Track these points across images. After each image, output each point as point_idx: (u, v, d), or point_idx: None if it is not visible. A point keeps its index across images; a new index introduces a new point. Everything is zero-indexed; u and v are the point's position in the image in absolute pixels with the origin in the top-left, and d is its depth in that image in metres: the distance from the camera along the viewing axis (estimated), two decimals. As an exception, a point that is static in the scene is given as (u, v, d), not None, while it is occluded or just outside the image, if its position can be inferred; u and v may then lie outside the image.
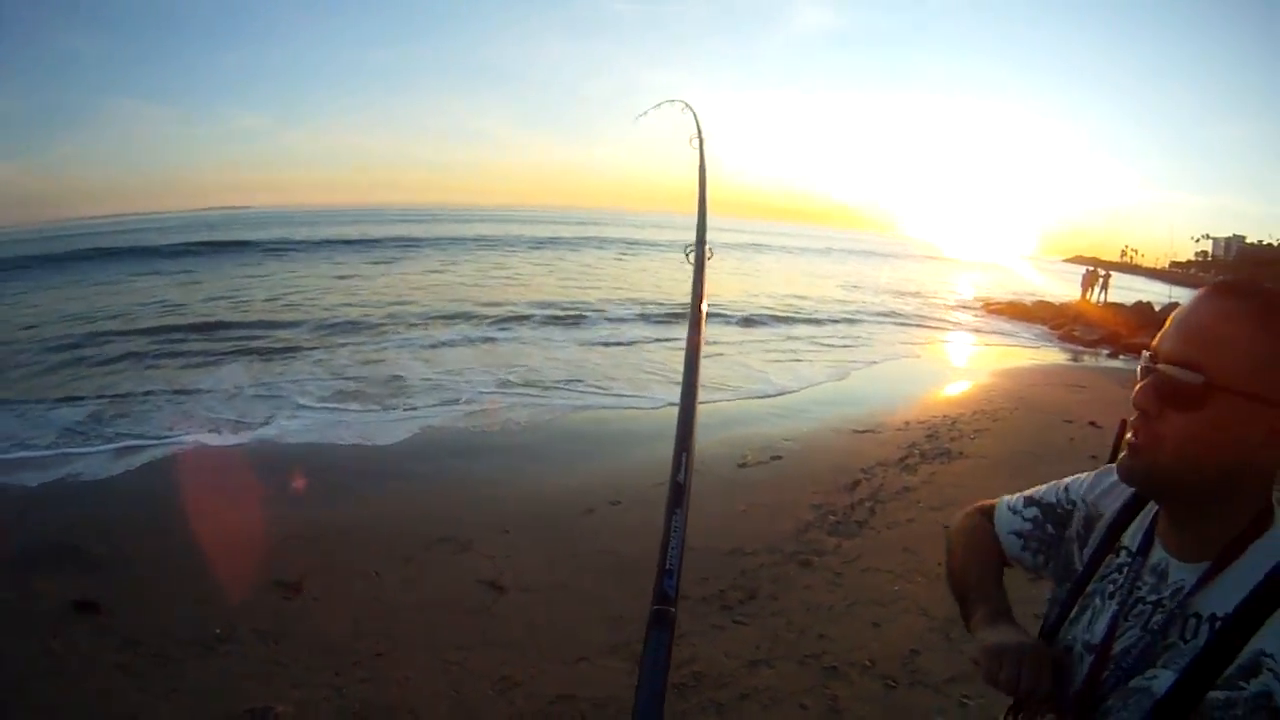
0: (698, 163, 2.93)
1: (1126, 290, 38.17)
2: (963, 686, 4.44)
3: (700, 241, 2.29)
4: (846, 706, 4.27)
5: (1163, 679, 1.10)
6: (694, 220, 2.52)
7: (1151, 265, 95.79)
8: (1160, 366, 1.13)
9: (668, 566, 1.39)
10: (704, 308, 2.06)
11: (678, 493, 1.51)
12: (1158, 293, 32.50)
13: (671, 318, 20.46)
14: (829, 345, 18.65)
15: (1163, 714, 1.08)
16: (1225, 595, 1.10)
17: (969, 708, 4.26)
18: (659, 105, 4.06)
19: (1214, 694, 1.04)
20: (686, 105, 3.69)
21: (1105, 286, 32.76)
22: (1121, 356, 20.73)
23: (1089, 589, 1.34)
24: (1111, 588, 1.28)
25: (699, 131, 3.20)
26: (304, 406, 10.74)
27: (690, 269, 2.20)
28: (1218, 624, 1.08)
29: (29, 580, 5.52)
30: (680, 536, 1.43)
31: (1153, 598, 1.20)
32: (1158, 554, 1.24)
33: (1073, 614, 1.35)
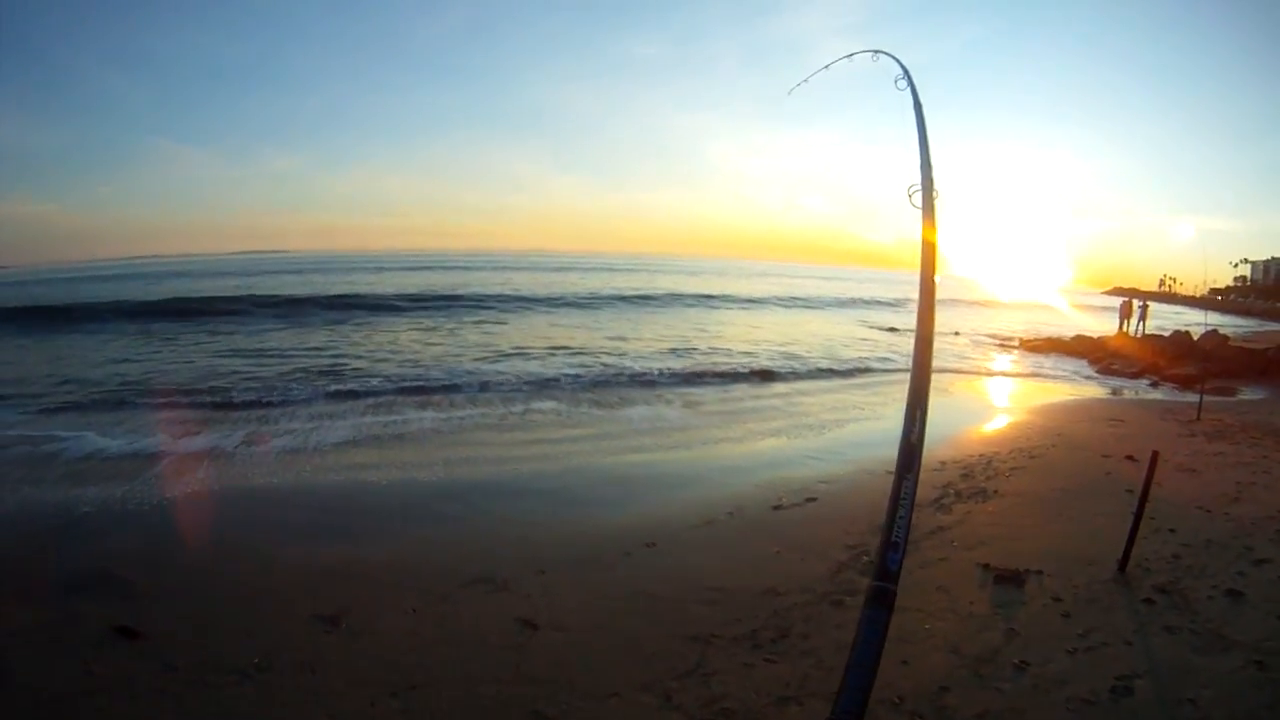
0: (911, 102, 2.89)
1: (1168, 320, 37.89)
2: (990, 725, 4.47)
3: (927, 186, 2.26)
4: (874, 744, 4.30)
5: None
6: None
7: (1190, 293, 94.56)
8: None
9: (893, 539, 1.39)
10: (936, 258, 2.03)
11: (909, 456, 1.51)
12: (1197, 321, 32.15)
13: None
14: (867, 390, 18.54)
15: None
16: None
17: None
18: (850, 56, 4.06)
19: None
20: (879, 52, 3.70)
21: (1144, 317, 32.62)
22: (1162, 387, 20.63)
23: None
24: None
25: (905, 71, 3.17)
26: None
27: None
28: None
29: (72, 605, 5.68)
30: (909, 505, 1.43)
31: None
32: None
33: None
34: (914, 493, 1.38)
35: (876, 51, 3.77)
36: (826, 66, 4.43)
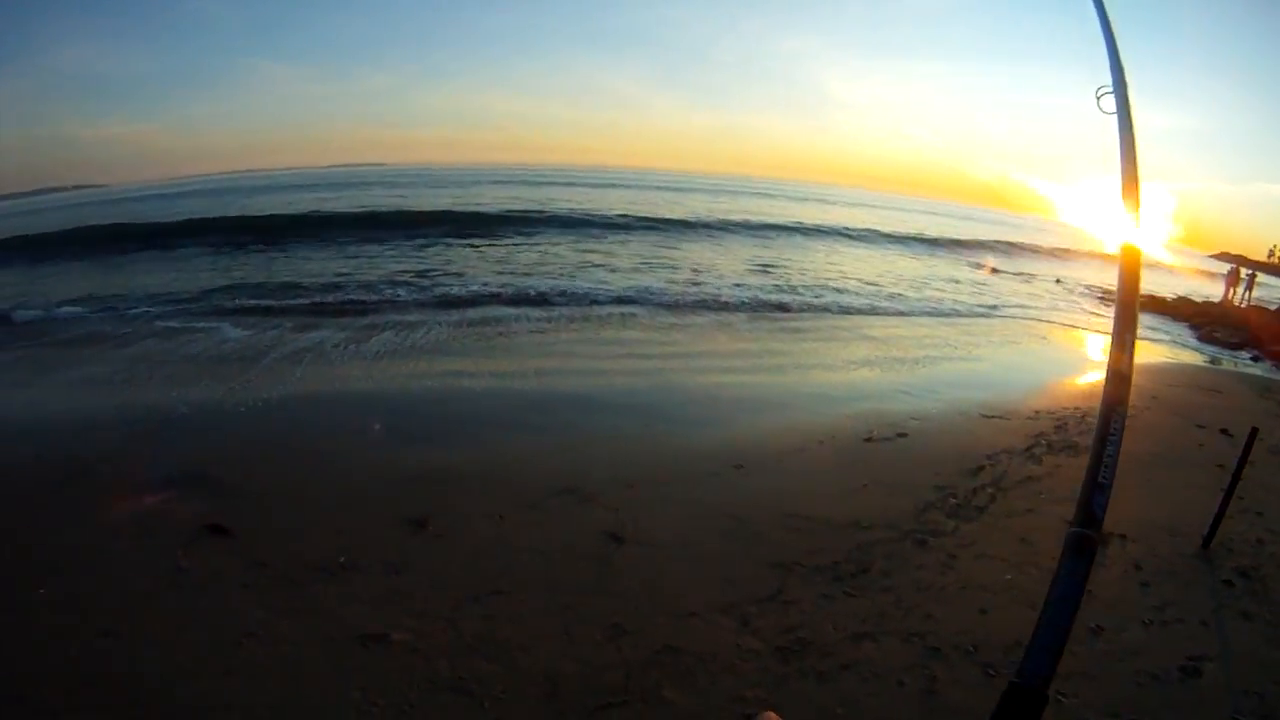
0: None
1: (1275, 292, 36.93)
2: (1060, 684, 4.43)
3: (1121, 94, 2.03)
4: (943, 689, 4.29)
5: None
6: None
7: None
8: None
9: (1099, 480, 1.25)
10: (1138, 171, 1.79)
11: (1118, 385, 1.34)
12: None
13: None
14: (963, 330, 18.27)
15: None
16: None
17: (1064, 705, 4.26)
18: None
19: None
20: None
21: (1250, 286, 31.77)
22: (1263, 363, 20.09)
23: None
24: None
25: None
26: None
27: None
28: None
29: (166, 503, 5.88)
30: (1119, 441, 1.27)
31: None
32: None
33: None
34: (1123, 428, 1.25)
35: None
36: None
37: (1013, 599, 5.30)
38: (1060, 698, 4.29)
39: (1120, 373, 1.33)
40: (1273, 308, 28.07)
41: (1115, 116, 2.08)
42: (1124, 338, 1.38)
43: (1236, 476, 6.47)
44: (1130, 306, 1.49)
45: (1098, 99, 2.10)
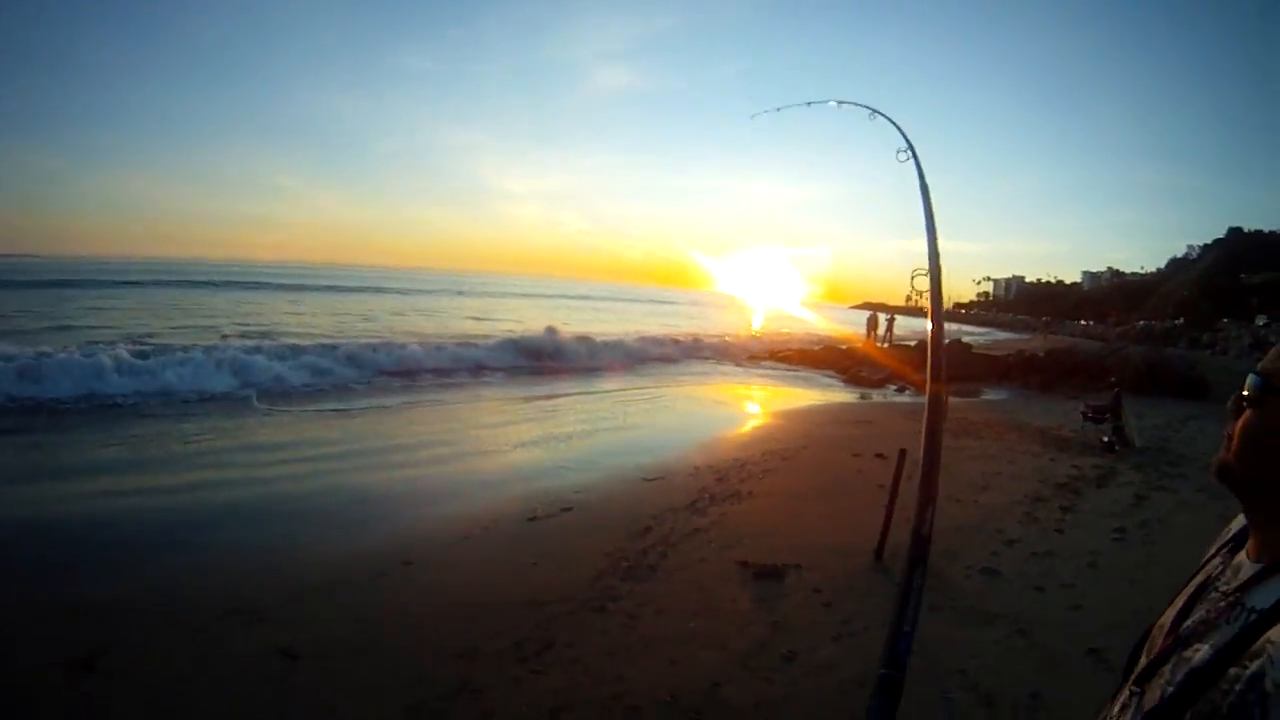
0: (917, 175, 2.82)
1: (914, 331, 39.82)
2: (766, 711, 4.65)
3: (934, 272, 2.13)
4: (656, 740, 4.39)
5: (1202, 653, 1.16)
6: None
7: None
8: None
9: (905, 628, 1.34)
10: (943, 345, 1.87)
11: (920, 546, 1.49)
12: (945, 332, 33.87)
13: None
14: (618, 401, 18.71)
15: (1194, 681, 1.13)
16: (1270, 593, 1.15)
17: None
18: (840, 104, 3.91)
19: (1230, 669, 1.11)
20: (875, 111, 3.60)
21: (890, 328, 34.54)
22: (908, 391, 21.65)
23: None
24: (1201, 577, 1.35)
25: (908, 144, 3.12)
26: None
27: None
28: (1253, 615, 1.15)
29: None
30: (920, 595, 1.39)
31: (1224, 588, 1.25)
32: (1242, 552, 1.29)
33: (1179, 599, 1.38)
34: (923, 583, 1.38)
35: (874, 111, 3.73)
36: (809, 104, 4.41)
37: (701, 645, 5.52)
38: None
39: (922, 536, 1.47)
40: (913, 343, 30.43)
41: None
42: (926, 509, 1.52)
43: (894, 492, 7.03)
44: (932, 475, 1.61)
45: (913, 279, 2.23)
